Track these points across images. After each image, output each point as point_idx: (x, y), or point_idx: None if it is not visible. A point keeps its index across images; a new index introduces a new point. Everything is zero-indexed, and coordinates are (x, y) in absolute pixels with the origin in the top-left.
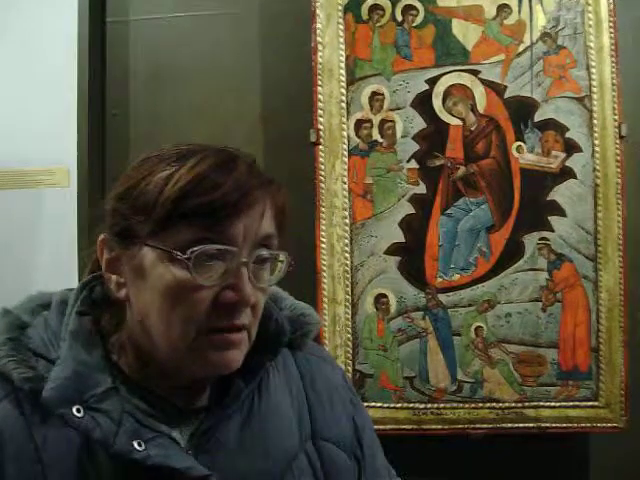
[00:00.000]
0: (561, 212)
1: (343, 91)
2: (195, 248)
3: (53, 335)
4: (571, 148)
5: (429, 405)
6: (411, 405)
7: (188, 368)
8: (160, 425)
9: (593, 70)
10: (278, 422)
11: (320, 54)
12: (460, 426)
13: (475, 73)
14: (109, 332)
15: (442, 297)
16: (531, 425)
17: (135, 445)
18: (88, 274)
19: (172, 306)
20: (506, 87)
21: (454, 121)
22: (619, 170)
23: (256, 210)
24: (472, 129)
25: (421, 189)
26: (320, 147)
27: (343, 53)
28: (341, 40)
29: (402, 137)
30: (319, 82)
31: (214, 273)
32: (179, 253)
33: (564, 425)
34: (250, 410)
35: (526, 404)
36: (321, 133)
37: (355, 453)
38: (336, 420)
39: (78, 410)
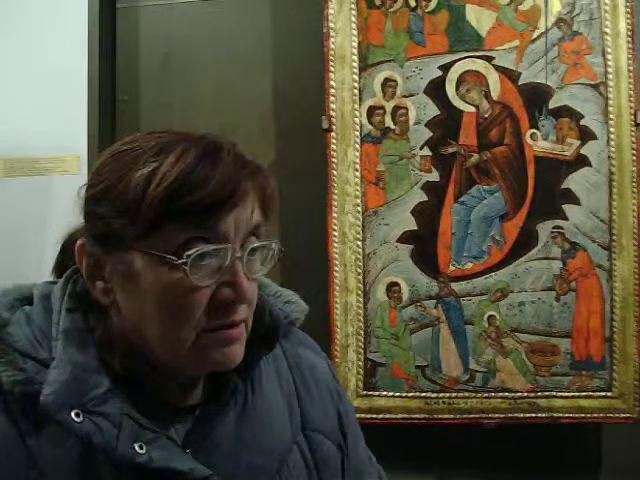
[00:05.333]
0: (575, 200)
1: (355, 77)
2: (190, 252)
3: (40, 332)
4: (586, 135)
5: (441, 394)
6: (423, 394)
7: (189, 367)
8: (158, 425)
9: (609, 56)
10: (272, 415)
11: (332, 40)
12: (472, 416)
13: (489, 59)
14: (96, 330)
15: (455, 286)
16: (544, 415)
17: (136, 448)
18: (55, 270)
19: (169, 310)
20: (520, 74)
21: (468, 108)
22: (634, 158)
23: (246, 202)
24: (486, 116)
25: (434, 177)
26: (332, 134)
27: (355, 39)
28: (353, 26)
29: (415, 124)
30: (331, 68)
31: (209, 271)
32: (174, 258)
33: (577, 415)
34: (244, 405)
35: (539, 394)
36: (333, 120)
37: (339, 441)
38: (324, 410)
39: (77, 414)
